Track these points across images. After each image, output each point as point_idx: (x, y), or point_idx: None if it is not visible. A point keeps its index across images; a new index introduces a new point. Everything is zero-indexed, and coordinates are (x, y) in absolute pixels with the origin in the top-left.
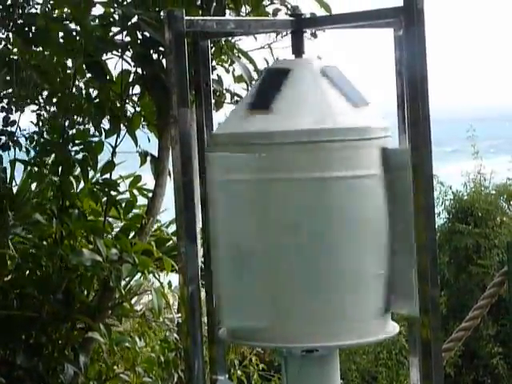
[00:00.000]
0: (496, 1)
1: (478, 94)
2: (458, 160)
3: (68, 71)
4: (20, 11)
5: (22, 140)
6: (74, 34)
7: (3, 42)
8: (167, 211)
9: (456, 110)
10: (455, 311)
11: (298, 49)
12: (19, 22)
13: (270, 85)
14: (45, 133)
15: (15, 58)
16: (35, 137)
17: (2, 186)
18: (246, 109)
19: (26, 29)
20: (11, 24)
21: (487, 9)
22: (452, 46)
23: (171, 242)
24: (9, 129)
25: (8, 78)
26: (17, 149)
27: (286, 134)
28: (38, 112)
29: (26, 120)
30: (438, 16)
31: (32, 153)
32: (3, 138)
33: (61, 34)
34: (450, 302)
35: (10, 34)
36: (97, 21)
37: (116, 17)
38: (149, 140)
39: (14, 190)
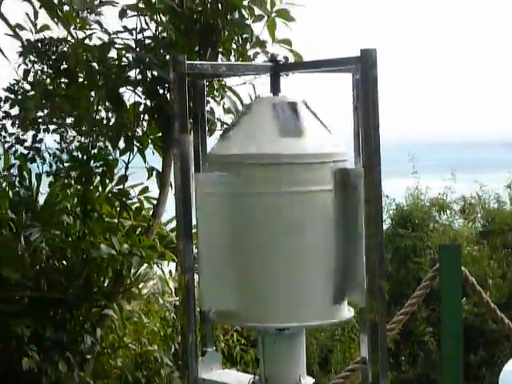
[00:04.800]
0: (479, 30)
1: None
2: (399, 177)
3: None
4: (54, 49)
5: (46, 155)
6: (96, 71)
7: (39, 73)
8: (166, 212)
9: (406, 137)
10: (396, 299)
11: (275, 88)
12: (53, 57)
13: (236, 118)
14: (70, 150)
15: (49, 87)
16: (57, 153)
17: (29, 194)
18: (221, 135)
19: (59, 64)
20: (47, 59)
21: (473, 38)
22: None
23: (169, 236)
24: (37, 145)
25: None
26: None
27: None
28: (61, 133)
29: (51, 139)
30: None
31: (54, 166)
32: (31, 152)
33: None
34: (392, 291)
35: (45, 68)
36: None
37: (130, 58)
38: (153, 153)
39: (41, 198)
